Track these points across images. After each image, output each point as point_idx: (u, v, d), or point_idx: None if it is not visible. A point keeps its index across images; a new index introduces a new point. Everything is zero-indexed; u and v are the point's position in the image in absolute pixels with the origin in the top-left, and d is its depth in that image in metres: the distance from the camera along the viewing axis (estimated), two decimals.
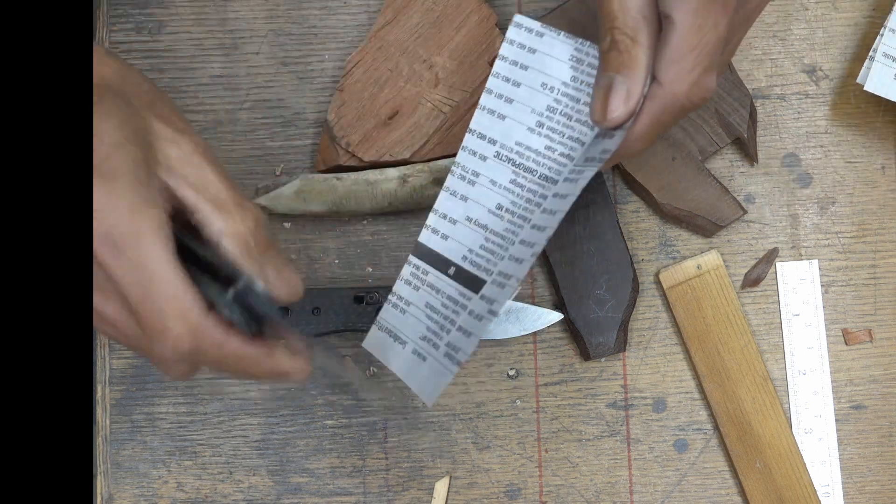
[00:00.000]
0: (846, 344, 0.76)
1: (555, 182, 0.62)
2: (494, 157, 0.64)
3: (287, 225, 0.76)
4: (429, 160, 0.74)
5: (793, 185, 0.77)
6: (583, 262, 0.74)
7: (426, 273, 0.65)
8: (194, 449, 0.75)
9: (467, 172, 0.65)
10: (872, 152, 0.77)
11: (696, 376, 0.75)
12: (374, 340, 0.66)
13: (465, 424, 0.75)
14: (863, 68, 0.73)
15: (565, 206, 0.60)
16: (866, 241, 0.77)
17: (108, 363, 0.75)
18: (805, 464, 0.74)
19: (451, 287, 0.64)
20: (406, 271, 0.65)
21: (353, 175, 0.73)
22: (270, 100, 0.76)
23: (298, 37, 0.77)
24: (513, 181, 0.63)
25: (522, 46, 0.64)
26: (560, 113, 0.62)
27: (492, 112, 0.64)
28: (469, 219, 0.64)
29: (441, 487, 0.74)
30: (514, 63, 0.64)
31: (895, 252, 0.77)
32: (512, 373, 0.75)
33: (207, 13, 0.77)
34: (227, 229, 0.54)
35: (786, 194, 0.77)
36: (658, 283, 0.76)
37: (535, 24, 0.64)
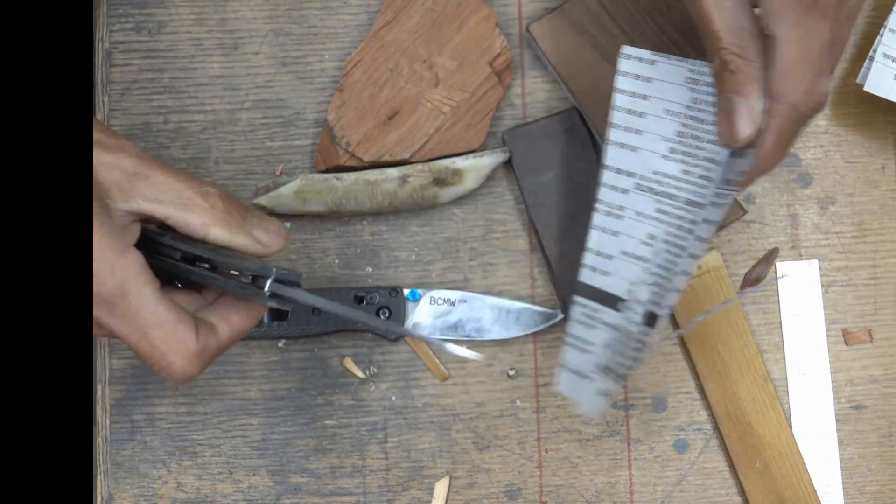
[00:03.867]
0: (846, 344, 0.76)
1: (700, 206, 0.62)
2: (635, 188, 0.64)
3: (287, 225, 0.76)
4: (429, 160, 0.74)
5: (793, 185, 0.77)
6: None
7: (596, 311, 0.66)
8: (194, 449, 0.75)
9: (612, 207, 0.65)
10: (872, 152, 0.77)
11: (696, 376, 0.75)
12: (566, 383, 0.68)
13: (465, 424, 0.75)
14: (863, 68, 0.73)
15: (713, 231, 0.62)
16: (866, 241, 0.77)
17: (108, 363, 0.75)
18: (805, 464, 0.74)
19: (624, 322, 0.65)
20: (577, 312, 0.67)
21: (353, 175, 0.73)
22: (270, 100, 0.76)
23: (298, 37, 0.77)
24: (658, 209, 0.64)
25: (638, 77, 0.64)
26: (689, 136, 0.63)
27: (623, 145, 0.65)
28: (625, 252, 0.65)
29: (441, 487, 0.74)
30: (634, 94, 0.64)
31: (895, 252, 0.77)
32: (512, 373, 0.75)
33: (207, 13, 0.77)
34: (205, 221, 0.58)
35: (786, 194, 0.77)
36: None
37: (646, 53, 0.64)
